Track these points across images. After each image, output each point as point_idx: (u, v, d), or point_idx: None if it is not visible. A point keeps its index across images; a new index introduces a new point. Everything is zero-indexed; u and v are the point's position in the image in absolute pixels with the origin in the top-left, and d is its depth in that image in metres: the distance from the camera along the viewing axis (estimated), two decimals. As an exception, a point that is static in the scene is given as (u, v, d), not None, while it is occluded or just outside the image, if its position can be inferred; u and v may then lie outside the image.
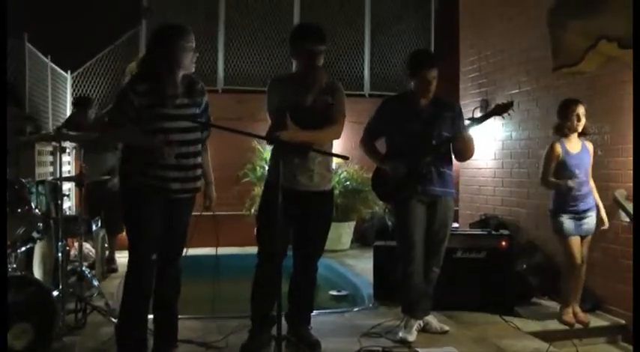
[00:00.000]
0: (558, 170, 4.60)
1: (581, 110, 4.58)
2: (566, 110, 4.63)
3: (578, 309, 4.74)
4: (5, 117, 3.39)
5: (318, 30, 3.78)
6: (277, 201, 3.05)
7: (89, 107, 6.25)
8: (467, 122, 4.26)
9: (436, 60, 4.22)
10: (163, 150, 3.20)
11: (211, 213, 3.57)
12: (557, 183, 4.58)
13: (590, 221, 4.62)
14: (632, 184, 4.57)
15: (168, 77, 3.29)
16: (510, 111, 4.11)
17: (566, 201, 4.58)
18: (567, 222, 4.57)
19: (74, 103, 6.65)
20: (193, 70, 3.41)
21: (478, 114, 6.95)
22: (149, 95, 3.24)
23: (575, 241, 4.58)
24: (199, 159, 3.45)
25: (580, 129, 4.61)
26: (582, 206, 4.58)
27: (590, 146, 4.72)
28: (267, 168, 4.24)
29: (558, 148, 4.60)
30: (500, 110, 4.09)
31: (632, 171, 4.63)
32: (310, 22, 4.03)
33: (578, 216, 4.58)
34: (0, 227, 3.36)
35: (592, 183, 4.68)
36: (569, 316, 4.66)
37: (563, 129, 4.63)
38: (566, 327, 4.61)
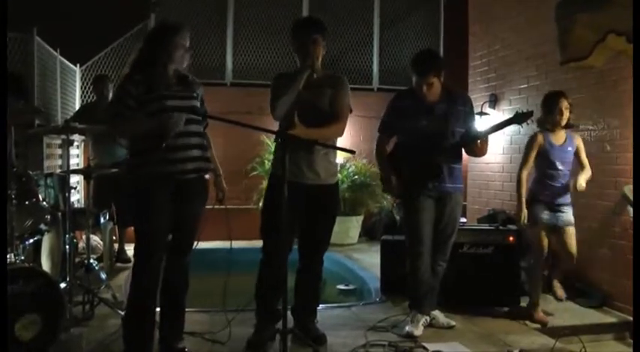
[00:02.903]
0: (539, 161, 4.55)
1: (564, 104, 4.51)
2: (549, 104, 4.56)
3: (555, 283, 4.75)
4: (5, 114, 3.40)
5: (311, 19, 3.83)
6: (283, 194, 3.05)
7: (104, 86, 6.27)
8: (485, 129, 4.22)
9: (432, 66, 4.11)
10: (169, 121, 3.22)
11: (221, 207, 3.59)
12: (521, 194, 4.51)
13: (565, 215, 4.57)
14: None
15: (160, 66, 3.36)
16: (522, 110, 4.08)
17: (542, 190, 4.53)
18: (542, 211, 4.52)
19: (93, 83, 6.71)
20: (184, 66, 3.45)
21: (487, 109, 6.95)
22: (145, 82, 3.31)
23: (544, 231, 4.53)
24: (202, 140, 3.46)
25: (564, 122, 4.54)
26: (558, 199, 4.54)
27: (577, 139, 4.64)
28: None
29: (540, 138, 4.55)
30: (519, 119, 4.05)
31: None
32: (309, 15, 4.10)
33: (552, 208, 4.54)
34: (0, 223, 3.37)
35: (580, 181, 4.51)
36: (539, 314, 4.57)
37: (545, 123, 4.57)
38: (573, 323, 4.59)
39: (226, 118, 3.16)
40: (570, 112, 4.54)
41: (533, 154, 4.55)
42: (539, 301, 4.64)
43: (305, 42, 3.68)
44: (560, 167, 4.51)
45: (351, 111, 3.83)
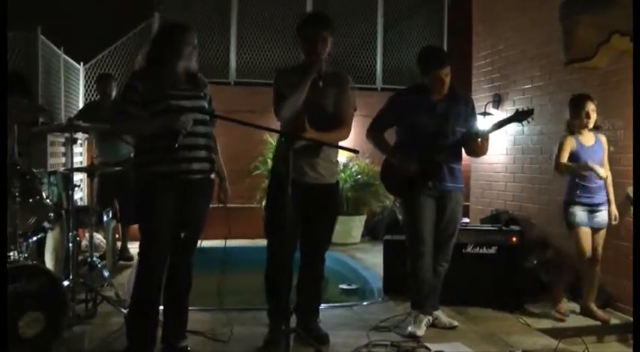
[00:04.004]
0: (571, 163, 4.59)
1: (590, 107, 4.57)
2: (575, 107, 4.62)
3: (594, 307, 4.74)
4: (5, 112, 3.40)
5: (320, 16, 3.77)
6: (287, 193, 3.03)
7: (108, 85, 6.28)
8: (486, 127, 4.22)
9: (447, 57, 4.20)
10: (176, 123, 3.20)
11: (223, 206, 3.59)
12: (571, 166, 4.55)
13: (602, 214, 4.63)
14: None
15: (169, 66, 3.33)
16: (523, 108, 4.08)
17: (578, 192, 4.57)
18: (579, 213, 4.57)
19: (96, 81, 6.75)
20: (193, 63, 3.42)
21: (490, 109, 6.93)
22: (151, 79, 3.30)
23: (584, 232, 4.57)
24: (209, 141, 3.46)
25: (591, 125, 4.61)
26: (595, 199, 4.59)
27: (604, 140, 4.72)
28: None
29: (572, 140, 4.60)
30: (520, 117, 4.04)
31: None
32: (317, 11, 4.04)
33: (591, 208, 4.58)
34: (0, 222, 3.38)
35: (609, 179, 4.66)
36: (560, 305, 4.70)
37: (573, 127, 4.63)
38: (576, 324, 4.59)
39: (233, 118, 3.15)
40: (598, 114, 4.62)
41: (566, 154, 4.59)
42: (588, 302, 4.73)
43: (312, 39, 3.63)
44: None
45: (355, 109, 3.83)
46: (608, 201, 4.65)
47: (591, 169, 4.50)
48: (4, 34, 3.67)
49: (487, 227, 5.33)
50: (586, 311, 4.74)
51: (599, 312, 4.72)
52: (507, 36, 6.83)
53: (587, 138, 4.64)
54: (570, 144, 4.60)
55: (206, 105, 3.45)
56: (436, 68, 4.04)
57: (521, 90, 6.52)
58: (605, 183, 4.64)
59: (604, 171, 4.55)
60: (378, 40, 9.20)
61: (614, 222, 4.67)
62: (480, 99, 7.18)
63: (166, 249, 3.38)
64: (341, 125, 3.70)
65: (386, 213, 8.13)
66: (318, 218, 3.78)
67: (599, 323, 4.67)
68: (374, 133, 4.26)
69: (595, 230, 4.63)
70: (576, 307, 4.90)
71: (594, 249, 4.63)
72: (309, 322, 3.87)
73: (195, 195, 3.43)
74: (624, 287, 4.86)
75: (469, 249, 4.85)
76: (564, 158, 4.60)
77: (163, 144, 3.25)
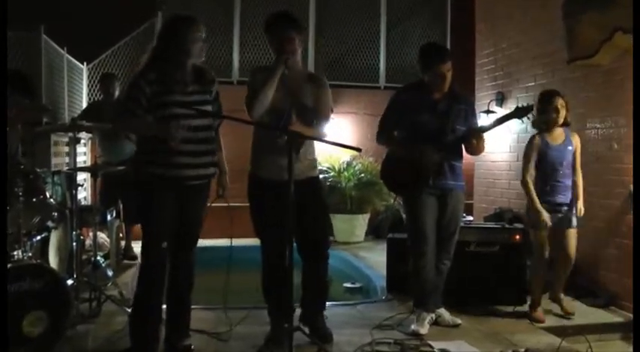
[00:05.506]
0: (538, 162, 4.49)
1: (559, 102, 4.43)
2: (543, 103, 4.49)
3: (562, 296, 4.69)
4: (5, 111, 3.41)
5: (286, 16, 3.75)
6: (290, 195, 3.02)
7: (111, 84, 6.29)
8: (486, 124, 4.21)
9: (448, 52, 4.21)
10: (172, 131, 3.18)
11: (225, 204, 3.59)
12: (532, 197, 4.45)
13: (566, 216, 4.49)
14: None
15: (177, 64, 3.32)
16: (522, 104, 4.07)
17: (542, 191, 4.46)
18: (544, 213, 4.44)
19: (99, 81, 6.76)
20: (203, 58, 3.42)
21: (494, 107, 6.93)
22: (159, 82, 3.28)
23: (543, 233, 4.48)
24: (212, 146, 3.46)
25: (560, 121, 4.47)
26: (557, 198, 4.47)
27: (575, 138, 4.57)
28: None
29: (537, 141, 4.48)
30: (520, 114, 4.03)
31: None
32: (284, 9, 4.03)
33: (553, 208, 4.46)
34: (0, 221, 3.39)
35: (579, 179, 4.54)
36: (537, 313, 4.56)
37: (541, 123, 4.51)
38: (580, 322, 4.58)
39: (237, 117, 3.15)
40: (567, 111, 4.48)
41: (533, 158, 4.49)
42: (541, 300, 4.63)
43: (279, 39, 3.63)
44: (558, 167, 4.45)
45: (332, 110, 3.84)
46: (575, 199, 4.51)
47: (538, 215, 4.39)
48: (3, 33, 3.67)
49: (490, 225, 5.32)
50: (555, 300, 4.71)
51: (565, 303, 4.66)
52: (510, 34, 6.82)
53: (556, 135, 4.50)
54: (536, 146, 4.47)
55: (210, 108, 3.44)
56: (437, 63, 4.05)
57: (524, 88, 6.50)
58: (573, 184, 4.51)
59: (548, 217, 4.40)
60: (380, 38, 9.19)
61: (579, 215, 4.53)
62: (483, 97, 7.18)
63: (167, 247, 3.38)
64: (322, 122, 3.72)
65: (389, 211, 8.11)
66: (308, 216, 3.70)
67: (601, 321, 4.66)
68: (385, 135, 4.25)
69: (560, 229, 4.49)
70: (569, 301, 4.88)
71: (565, 248, 4.49)
72: (314, 320, 3.85)
73: (195, 197, 3.45)
74: (628, 286, 4.85)
75: (472, 248, 4.84)
76: (530, 170, 4.47)
77: (163, 148, 3.25)
